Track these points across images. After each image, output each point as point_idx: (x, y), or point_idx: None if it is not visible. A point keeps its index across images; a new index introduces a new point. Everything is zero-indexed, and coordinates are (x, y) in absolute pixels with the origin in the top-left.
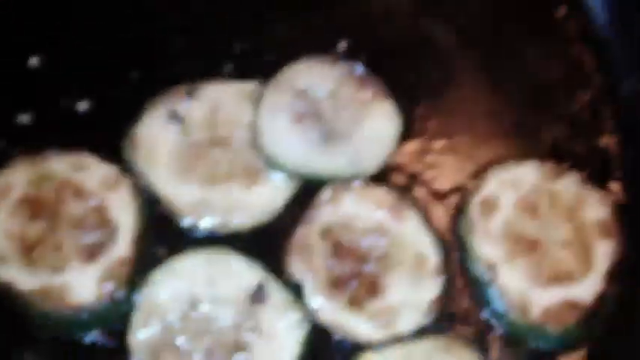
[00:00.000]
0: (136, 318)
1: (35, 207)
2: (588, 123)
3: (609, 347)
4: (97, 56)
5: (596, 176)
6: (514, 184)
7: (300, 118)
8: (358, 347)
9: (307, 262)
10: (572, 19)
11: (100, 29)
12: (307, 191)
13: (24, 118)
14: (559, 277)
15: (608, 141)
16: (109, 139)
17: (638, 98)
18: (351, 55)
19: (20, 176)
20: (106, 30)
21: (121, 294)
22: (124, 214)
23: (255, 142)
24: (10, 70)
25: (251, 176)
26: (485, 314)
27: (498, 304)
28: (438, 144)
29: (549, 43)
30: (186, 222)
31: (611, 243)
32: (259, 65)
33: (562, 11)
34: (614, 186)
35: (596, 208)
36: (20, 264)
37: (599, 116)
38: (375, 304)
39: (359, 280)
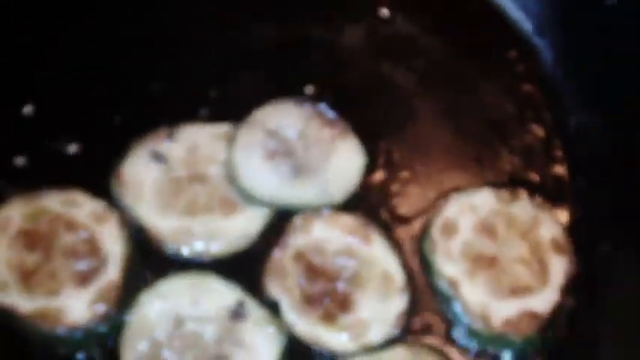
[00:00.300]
0: (126, 335)
1: (31, 239)
2: (540, 154)
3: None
4: (83, 103)
5: (549, 200)
6: (472, 209)
7: (271, 155)
8: (334, 357)
9: (282, 283)
10: (523, 59)
11: (85, 79)
12: (280, 219)
13: (19, 161)
14: (517, 291)
15: (559, 170)
16: (97, 178)
17: (585, 131)
18: (317, 98)
19: (17, 212)
20: (91, 80)
21: (111, 314)
22: (113, 244)
23: (230, 177)
24: (7, 118)
25: (228, 207)
26: (449, 325)
27: (462, 316)
28: (401, 175)
29: (502, 82)
30: (169, 249)
31: (565, 259)
32: (232, 109)
33: (513, 53)
34: (566, 208)
35: (549, 228)
36: (20, 290)
37: (550, 148)
38: (347, 319)
39: (331, 298)
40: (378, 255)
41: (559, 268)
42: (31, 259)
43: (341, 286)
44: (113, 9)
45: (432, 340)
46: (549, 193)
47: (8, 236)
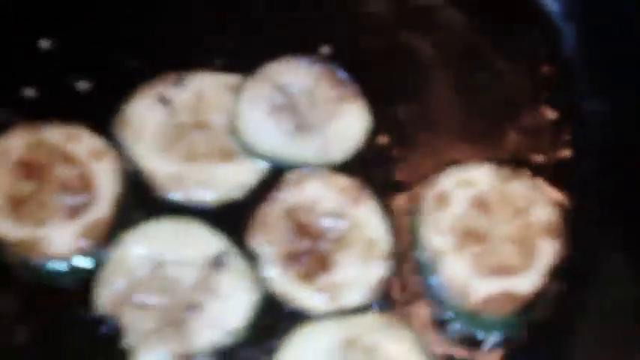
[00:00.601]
0: (105, 272)
1: (28, 168)
2: (549, 136)
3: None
4: (100, 44)
5: (550, 183)
6: (468, 183)
7: (276, 109)
8: (305, 317)
9: (267, 237)
10: (544, 41)
11: (106, 21)
12: (276, 173)
13: (29, 92)
14: (501, 270)
15: (564, 154)
16: (102, 116)
17: (596, 118)
18: (331, 58)
19: (19, 141)
20: (111, 21)
21: (95, 250)
22: (107, 181)
23: (233, 128)
24: (23, 50)
25: (226, 157)
26: (428, 298)
27: (441, 289)
28: (404, 142)
29: (520, 61)
30: (163, 193)
31: (555, 243)
32: (246, 61)
33: (535, 33)
34: (564, 194)
35: (544, 210)
36: (9, 216)
37: (559, 131)
38: (325, 279)
39: (313, 256)
40: (367, 219)
41: (548, 251)
42: (25, 187)
43: (324, 246)
44: None
45: (407, 311)
46: (551, 176)
47: (7, 164)
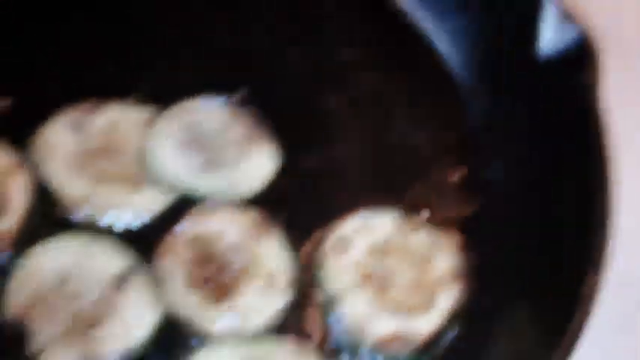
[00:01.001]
0: (12, 283)
1: None
2: (453, 195)
3: None
4: (23, 66)
5: (451, 237)
6: (369, 230)
7: (185, 145)
8: (206, 339)
9: (172, 262)
10: (454, 108)
11: (31, 44)
12: (183, 202)
13: None
14: (400, 309)
15: (467, 212)
16: (19, 134)
17: (500, 184)
18: (245, 101)
19: None
20: (36, 45)
21: (2, 259)
22: (18, 197)
23: (142, 159)
24: None
25: (134, 184)
26: (328, 334)
27: (339, 326)
28: (309, 186)
29: (431, 126)
30: (71, 211)
31: (455, 289)
32: (161, 97)
33: (448, 101)
34: (466, 248)
35: (445, 259)
36: None
37: (464, 192)
38: (227, 305)
39: (215, 284)
40: (268, 254)
41: (448, 295)
42: None
43: (227, 276)
44: None
45: (305, 343)
46: (453, 229)
47: None
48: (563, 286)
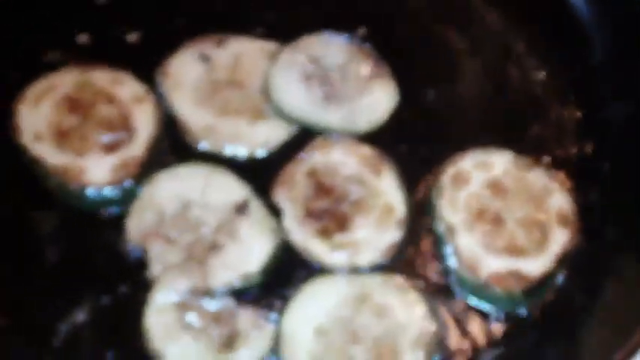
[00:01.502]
0: (136, 206)
1: (74, 104)
2: (572, 133)
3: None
4: (153, 3)
5: (568, 176)
6: (487, 166)
7: (308, 78)
8: (318, 271)
9: (290, 193)
10: (575, 45)
11: None
12: (303, 135)
13: (82, 38)
14: (511, 250)
15: (586, 150)
16: (147, 65)
17: (620, 121)
18: (367, 39)
19: (68, 79)
20: None
21: (128, 184)
22: (144, 124)
23: (266, 89)
24: (80, 0)
25: (257, 115)
26: (439, 267)
27: (452, 260)
28: (430, 121)
29: (551, 62)
30: (195, 140)
31: (567, 233)
32: (286, 32)
33: (567, 37)
34: (582, 187)
35: (559, 199)
36: (51, 144)
37: (583, 130)
38: (341, 238)
39: (331, 216)
40: (385, 188)
41: (559, 239)
42: (69, 120)
43: (343, 207)
44: None
45: (418, 276)
46: (570, 170)
47: (54, 97)
48: None
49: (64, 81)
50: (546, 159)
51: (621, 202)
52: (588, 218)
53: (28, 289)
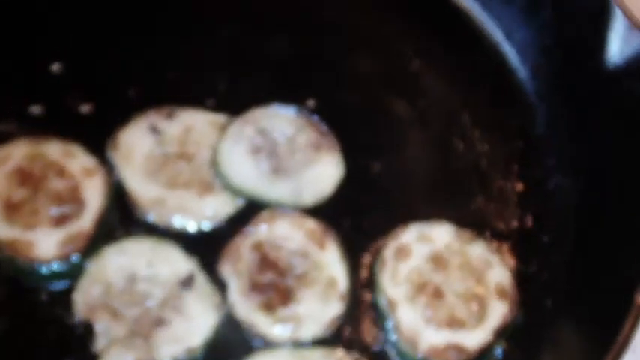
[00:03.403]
0: (83, 280)
1: (24, 177)
2: (514, 206)
3: None
4: (105, 74)
5: (507, 249)
6: (429, 239)
7: (256, 150)
8: (263, 344)
9: (235, 266)
10: (519, 116)
11: (113, 54)
12: (250, 209)
13: (35, 109)
14: (451, 323)
15: (527, 224)
16: (98, 138)
17: (561, 194)
18: (315, 111)
19: (19, 151)
20: (118, 55)
21: (75, 258)
22: (94, 197)
23: (214, 163)
24: (35, 70)
25: (205, 189)
26: (380, 340)
27: (393, 334)
28: (373, 195)
29: (495, 133)
30: (143, 213)
31: (506, 305)
32: (235, 104)
33: (512, 109)
34: (521, 260)
35: (499, 273)
36: (1, 217)
37: (525, 202)
38: (285, 312)
39: (275, 290)
40: (329, 261)
41: (498, 312)
42: (19, 194)
43: (288, 281)
44: None
45: (359, 350)
46: (510, 243)
47: (5, 170)
48: (609, 303)
49: (15, 153)
50: (487, 232)
51: (559, 273)
52: (527, 289)
53: None
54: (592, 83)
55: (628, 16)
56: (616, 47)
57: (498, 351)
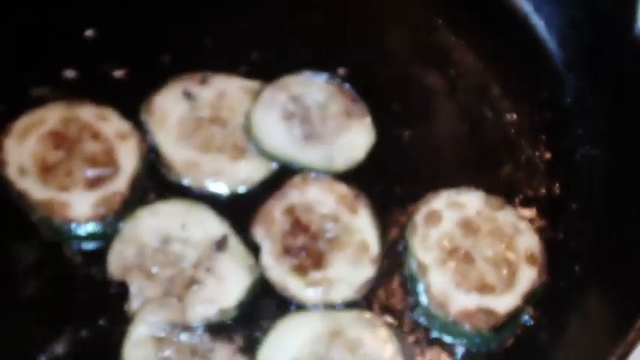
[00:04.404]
0: (117, 240)
1: (59, 139)
2: (542, 174)
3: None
4: (139, 39)
5: (537, 216)
6: (459, 205)
7: (288, 116)
8: (294, 308)
9: (268, 229)
10: (549, 87)
11: (148, 20)
12: (282, 173)
13: (69, 73)
14: (481, 288)
15: (555, 192)
16: (132, 102)
17: (589, 164)
18: (347, 79)
19: (54, 114)
20: (153, 21)
21: (109, 219)
22: (128, 160)
23: (247, 127)
24: (69, 35)
25: (238, 152)
26: (411, 304)
27: (423, 297)
28: (405, 161)
29: (524, 104)
30: (177, 177)
31: (534, 271)
32: (269, 72)
33: (541, 79)
34: (550, 227)
35: (528, 239)
36: (36, 178)
37: (553, 171)
38: (317, 275)
39: (307, 253)
40: (361, 226)
41: (527, 277)
42: (54, 155)
43: (319, 244)
44: None
45: (390, 312)
46: (539, 210)
47: (40, 132)
48: (636, 273)
49: (50, 116)
50: (517, 199)
51: (587, 241)
52: (555, 256)
53: (7, 321)
54: (620, 55)
55: None
56: None
57: (526, 317)
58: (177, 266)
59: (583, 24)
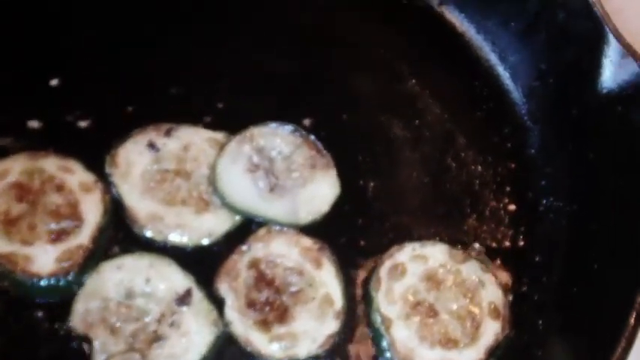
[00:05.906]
0: (81, 294)
1: (23, 192)
2: (506, 227)
3: None
4: (105, 90)
5: (500, 269)
6: (424, 259)
7: (253, 169)
8: None
9: (231, 283)
10: (513, 138)
11: (114, 70)
12: (246, 226)
13: (34, 124)
14: (445, 342)
15: (518, 244)
16: (96, 153)
17: (552, 216)
18: (312, 130)
19: (17, 166)
20: (119, 71)
21: (72, 274)
22: (92, 213)
23: (211, 180)
24: (34, 85)
25: (202, 205)
26: (375, 358)
27: (387, 353)
28: (369, 214)
29: (489, 155)
30: (140, 229)
31: (498, 324)
32: (234, 122)
33: (506, 130)
34: (514, 280)
35: (491, 292)
36: None
37: (516, 223)
38: (280, 329)
39: (272, 307)
40: (325, 279)
41: (490, 331)
42: (17, 208)
43: (284, 298)
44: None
45: None
46: (503, 262)
47: (3, 184)
48: (601, 326)
49: (14, 167)
50: (481, 251)
51: (551, 294)
52: (519, 309)
53: None
54: (585, 108)
55: (621, 42)
56: (609, 73)
57: None
58: (140, 321)
59: (548, 76)
